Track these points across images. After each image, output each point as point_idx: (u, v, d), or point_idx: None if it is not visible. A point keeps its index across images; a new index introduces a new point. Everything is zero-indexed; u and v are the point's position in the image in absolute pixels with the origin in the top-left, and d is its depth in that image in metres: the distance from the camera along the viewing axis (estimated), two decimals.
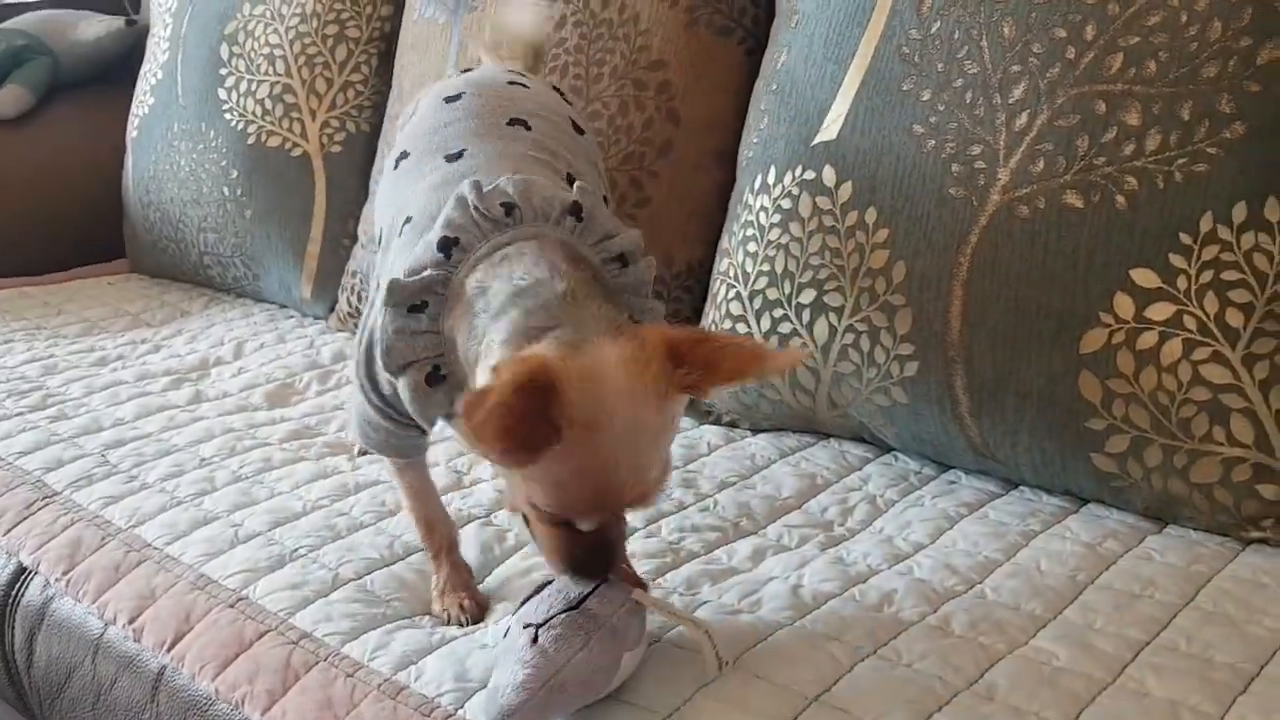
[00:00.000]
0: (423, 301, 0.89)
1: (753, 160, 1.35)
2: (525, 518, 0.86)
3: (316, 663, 0.94)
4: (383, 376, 0.95)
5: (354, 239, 1.84)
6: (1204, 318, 1.03)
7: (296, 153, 1.86)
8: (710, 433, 1.36)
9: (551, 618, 0.83)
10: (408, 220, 0.98)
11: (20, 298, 1.99)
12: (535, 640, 0.81)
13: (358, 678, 0.91)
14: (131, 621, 1.04)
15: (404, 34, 1.75)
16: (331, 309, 1.86)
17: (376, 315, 0.94)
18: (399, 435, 1.00)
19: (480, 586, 1.03)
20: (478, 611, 0.99)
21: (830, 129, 1.25)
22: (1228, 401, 1.02)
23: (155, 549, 1.13)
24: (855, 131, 1.23)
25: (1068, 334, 1.08)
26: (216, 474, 1.28)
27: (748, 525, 1.13)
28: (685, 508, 1.16)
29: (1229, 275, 1.03)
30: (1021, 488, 1.18)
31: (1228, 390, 1.02)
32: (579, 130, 1.15)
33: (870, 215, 1.20)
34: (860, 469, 1.25)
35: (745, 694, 0.84)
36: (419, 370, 0.89)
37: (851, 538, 1.10)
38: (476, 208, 0.90)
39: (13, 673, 1.17)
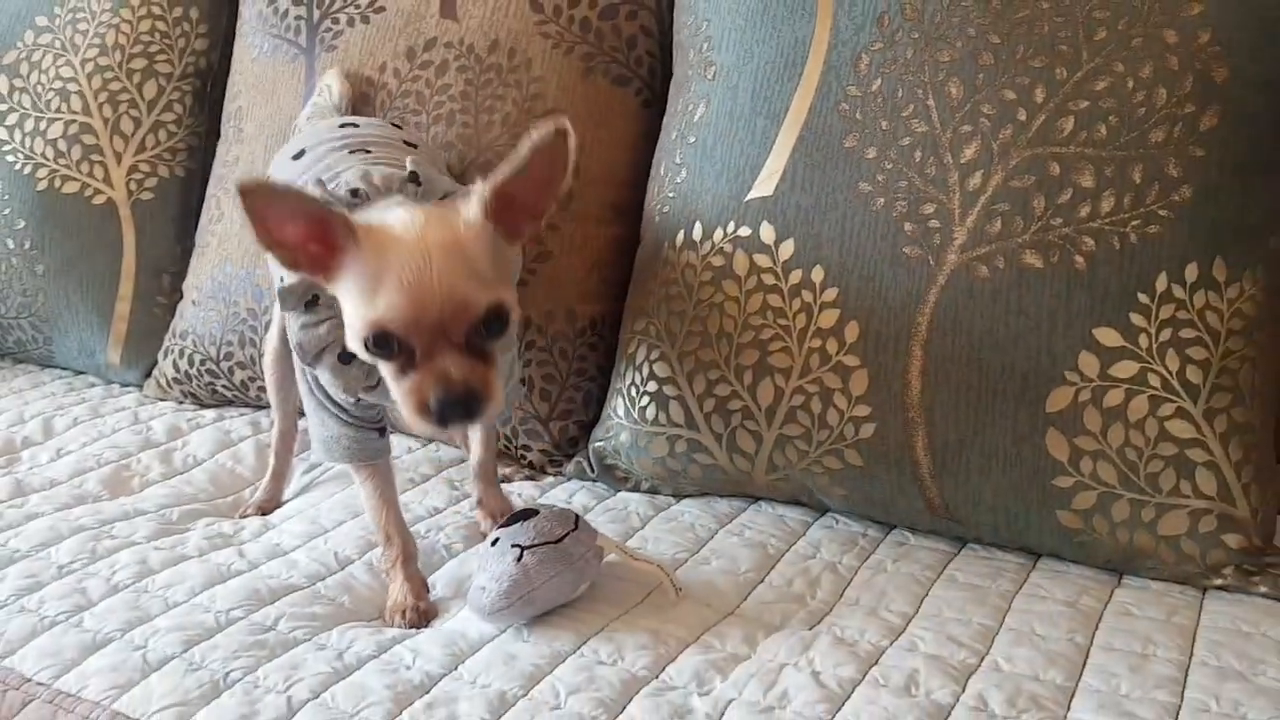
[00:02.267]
0: (314, 295, 1.00)
1: (670, 215, 1.29)
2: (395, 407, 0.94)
3: None
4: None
5: (171, 296, 1.64)
6: (1166, 375, 1.06)
7: (99, 200, 1.64)
8: (634, 500, 1.29)
9: (535, 545, 1.00)
10: None
11: None
12: (520, 559, 0.99)
13: None
14: None
15: (239, 73, 1.58)
16: (147, 374, 1.64)
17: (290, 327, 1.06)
18: (358, 439, 1.09)
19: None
20: (418, 620, 1.03)
21: (765, 184, 1.21)
22: (1193, 455, 1.06)
23: (41, 684, 0.94)
24: (795, 188, 1.19)
25: (1033, 393, 1.09)
26: (86, 584, 1.08)
27: (721, 604, 1.06)
28: (650, 591, 1.07)
29: (1186, 333, 1.06)
30: (973, 545, 1.18)
31: (1192, 445, 1.05)
32: (411, 145, 1.24)
33: (817, 274, 1.17)
34: (805, 534, 1.21)
35: None
36: (331, 353, 1.01)
37: (831, 611, 1.06)
38: (325, 198, 0.98)
39: None
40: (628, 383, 1.29)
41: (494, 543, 1.03)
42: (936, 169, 1.14)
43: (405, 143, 1.23)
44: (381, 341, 0.90)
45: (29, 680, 0.94)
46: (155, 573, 1.10)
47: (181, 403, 1.59)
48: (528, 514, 1.05)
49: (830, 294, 1.16)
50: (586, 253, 1.37)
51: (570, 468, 1.37)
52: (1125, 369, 1.07)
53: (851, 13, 1.21)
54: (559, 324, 1.36)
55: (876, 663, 0.96)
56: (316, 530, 1.21)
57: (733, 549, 1.17)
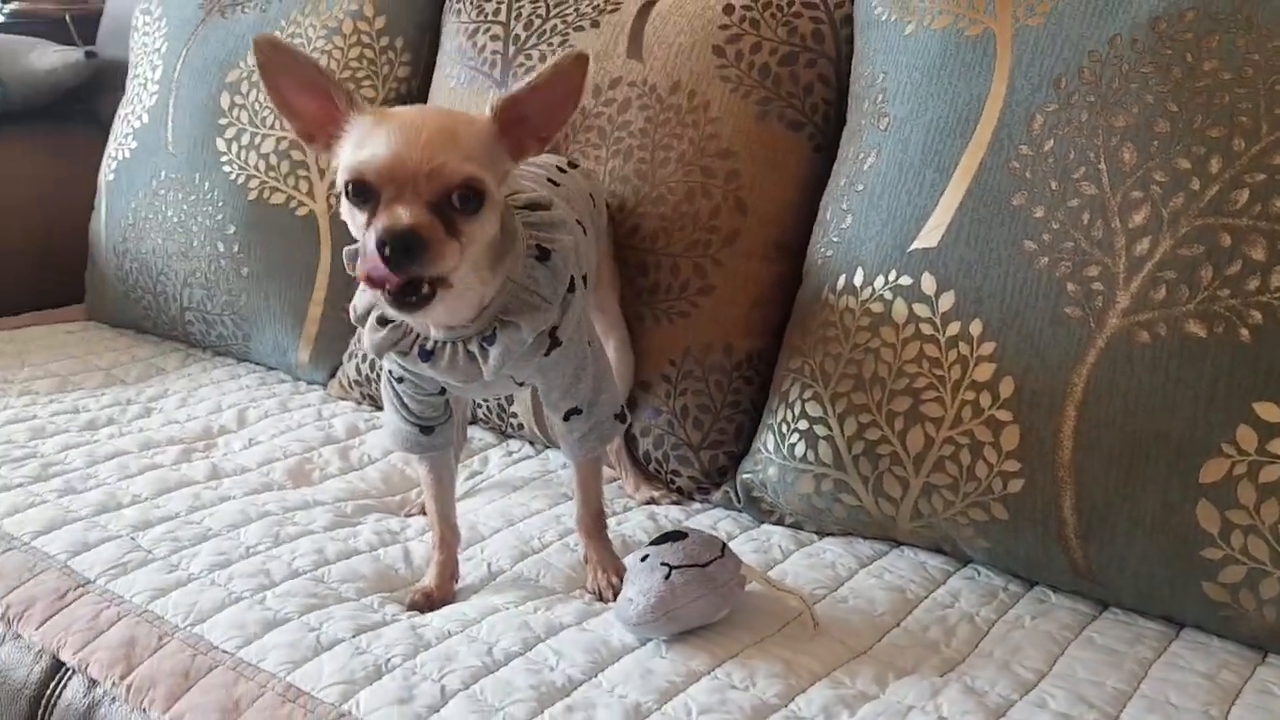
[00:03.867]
0: None
1: (833, 259, 1.33)
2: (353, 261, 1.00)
3: None
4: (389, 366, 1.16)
5: None
6: None
7: (302, 212, 1.77)
8: (777, 534, 1.33)
9: (683, 565, 1.06)
10: None
11: None
12: (668, 577, 1.05)
13: None
14: None
15: (436, 101, 1.69)
16: (331, 375, 1.76)
17: None
18: (403, 430, 1.19)
19: None
20: (425, 605, 1.13)
21: (930, 236, 1.24)
22: None
23: (226, 653, 1.03)
24: (959, 241, 1.22)
25: (1187, 462, 1.09)
26: (270, 566, 1.18)
27: (854, 643, 1.09)
28: (787, 622, 1.11)
29: None
30: (1114, 609, 1.18)
31: None
32: (554, 183, 1.27)
33: (975, 327, 1.19)
34: (945, 583, 1.22)
35: None
36: (375, 311, 1.09)
37: (964, 661, 1.07)
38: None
39: None
40: (779, 419, 1.33)
41: (644, 558, 1.09)
42: (1104, 232, 1.15)
43: (549, 179, 1.25)
44: (359, 189, 0.94)
45: (215, 648, 1.04)
46: (330, 563, 1.20)
47: (360, 404, 1.70)
48: (678, 535, 1.11)
49: (987, 348, 1.18)
50: (749, 289, 1.42)
51: (717, 496, 1.42)
52: None
53: (1029, 73, 1.23)
54: (716, 356, 1.41)
55: (1004, 715, 0.97)
56: (474, 537, 1.29)
57: (871, 590, 1.19)
